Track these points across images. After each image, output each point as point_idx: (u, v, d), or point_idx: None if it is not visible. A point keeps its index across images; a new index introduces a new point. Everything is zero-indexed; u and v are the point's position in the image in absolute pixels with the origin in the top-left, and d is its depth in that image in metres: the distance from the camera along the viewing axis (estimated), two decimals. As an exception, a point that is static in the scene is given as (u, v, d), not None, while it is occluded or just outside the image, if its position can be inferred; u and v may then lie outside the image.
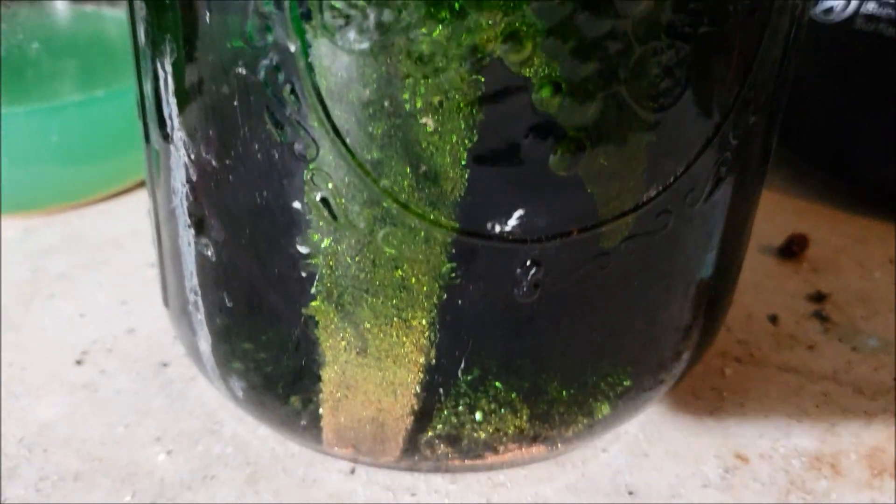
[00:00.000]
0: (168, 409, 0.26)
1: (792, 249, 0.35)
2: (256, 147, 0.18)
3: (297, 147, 0.18)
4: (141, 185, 0.38)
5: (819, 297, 0.33)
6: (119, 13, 0.40)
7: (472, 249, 0.19)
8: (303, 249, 0.19)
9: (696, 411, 0.27)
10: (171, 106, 0.19)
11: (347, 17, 0.16)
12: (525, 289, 0.20)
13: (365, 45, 0.17)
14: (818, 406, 0.28)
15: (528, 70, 0.17)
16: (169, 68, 0.19)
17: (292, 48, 0.17)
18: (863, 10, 0.37)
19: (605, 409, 0.23)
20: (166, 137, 0.20)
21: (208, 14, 0.18)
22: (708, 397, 0.28)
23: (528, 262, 0.19)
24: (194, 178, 0.20)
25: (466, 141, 0.18)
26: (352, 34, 0.17)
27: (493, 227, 0.19)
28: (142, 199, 0.38)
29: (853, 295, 0.33)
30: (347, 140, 0.18)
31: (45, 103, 0.34)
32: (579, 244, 0.19)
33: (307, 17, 0.17)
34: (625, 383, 0.23)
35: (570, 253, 0.20)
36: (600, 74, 0.17)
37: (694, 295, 0.22)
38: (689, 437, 0.26)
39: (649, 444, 0.26)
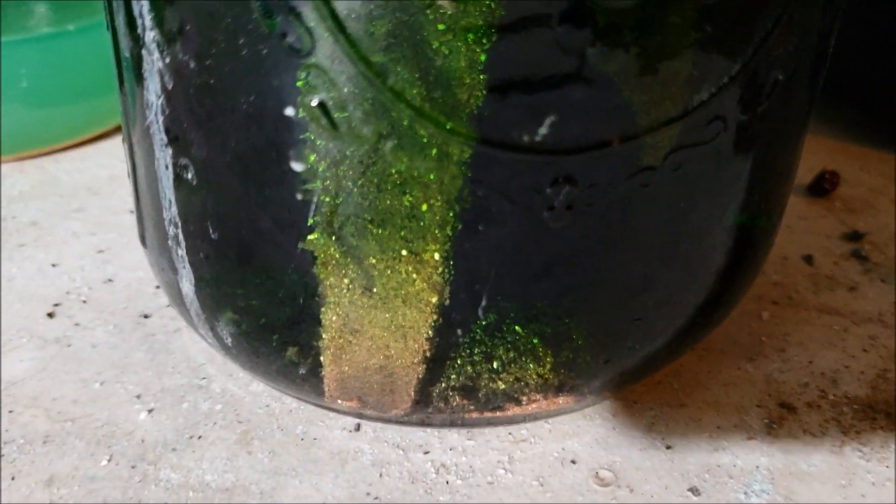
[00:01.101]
0: (149, 363, 0.24)
1: (823, 187, 0.32)
2: (242, 42, 0.15)
3: (290, 39, 0.15)
4: (119, 129, 0.35)
5: (856, 237, 0.31)
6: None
7: (494, 164, 0.16)
8: (297, 167, 0.16)
9: (735, 358, 0.25)
10: (141, 4, 0.17)
11: None
12: (556, 210, 0.17)
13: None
14: (866, 350, 0.25)
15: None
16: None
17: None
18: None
19: (637, 354, 0.21)
20: (137, 40, 0.17)
21: None
22: (746, 342, 0.25)
23: (560, 179, 0.17)
24: (170, 85, 0.17)
25: (486, 28, 0.15)
26: None
27: (519, 137, 0.16)
28: (120, 143, 0.35)
29: (892, 235, 0.31)
30: (349, 29, 0.15)
31: (11, 37, 0.31)
32: (620, 156, 0.17)
33: None
34: (659, 325, 0.20)
35: (610, 167, 0.17)
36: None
37: (739, 225, 0.20)
38: (728, 386, 0.24)
39: (685, 393, 0.23)
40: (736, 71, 0.17)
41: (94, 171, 0.33)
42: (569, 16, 0.15)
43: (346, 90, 0.15)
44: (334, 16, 0.15)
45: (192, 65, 0.16)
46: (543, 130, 0.16)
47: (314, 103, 0.16)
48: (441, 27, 0.15)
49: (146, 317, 0.26)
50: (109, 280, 0.27)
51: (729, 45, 0.16)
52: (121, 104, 0.20)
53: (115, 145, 0.35)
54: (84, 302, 0.26)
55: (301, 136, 0.16)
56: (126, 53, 0.18)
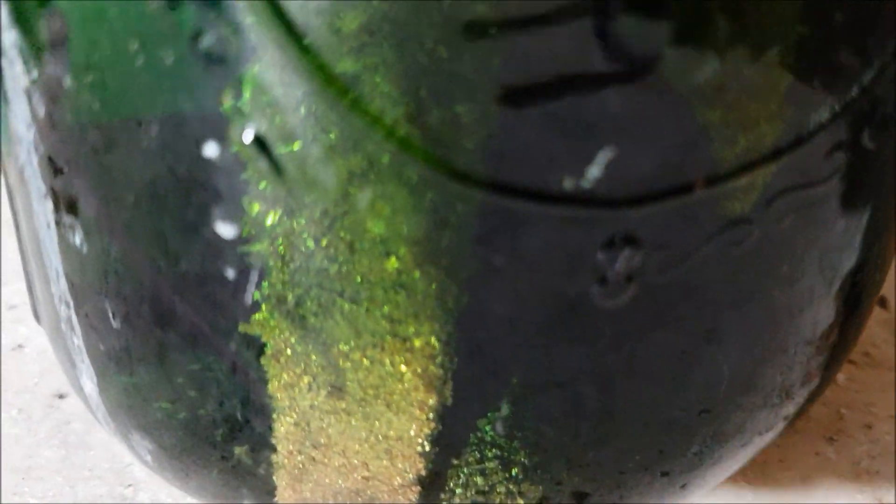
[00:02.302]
0: (61, 464, 0.18)
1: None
2: (137, 44, 0.10)
3: (209, 39, 0.10)
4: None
5: (882, 304, 0.25)
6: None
7: (519, 220, 0.11)
8: (227, 231, 0.11)
9: (811, 439, 0.19)
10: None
11: None
12: (610, 284, 0.12)
13: None
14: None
15: None
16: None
17: None
18: None
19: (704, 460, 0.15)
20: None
21: None
22: (822, 417, 0.20)
23: (617, 241, 0.11)
24: (41, 112, 0.11)
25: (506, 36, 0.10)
26: None
27: (557, 181, 0.11)
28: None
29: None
30: (299, 24, 0.09)
31: None
32: (702, 206, 0.11)
33: None
34: (730, 423, 0.15)
35: (688, 222, 0.11)
36: None
37: (851, 285, 0.14)
38: (807, 481, 0.18)
39: (753, 490, 0.18)
40: (869, 79, 0.11)
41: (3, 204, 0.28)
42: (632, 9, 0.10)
43: (295, 116, 0.10)
44: (275, 4, 0.09)
45: (68, 82, 0.11)
46: (594, 172, 0.11)
47: (248, 137, 0.10)
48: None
49: (61, 397, 0.20)
50: (20, 346, 0.22)
51: (858, 46, 0.11)
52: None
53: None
54: (-14, 377, 0.21)
55: (231, 185, 0.11)
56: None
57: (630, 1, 0.10)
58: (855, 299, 0.15)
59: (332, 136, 0.10)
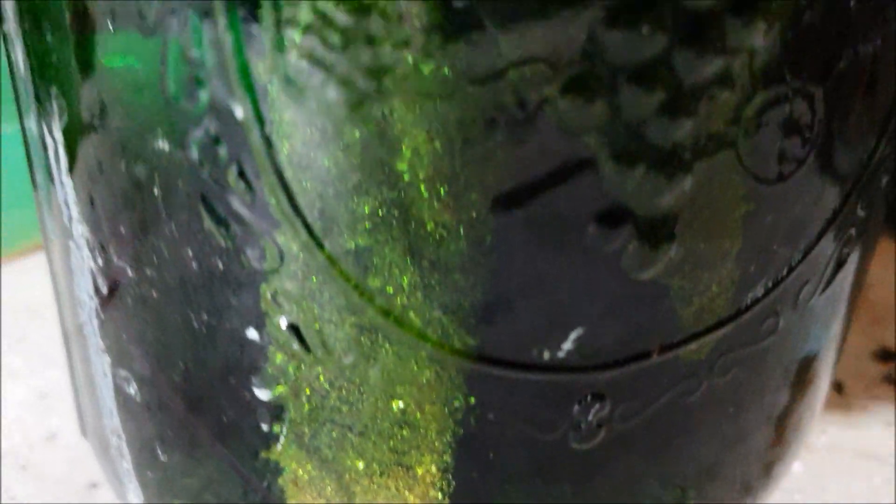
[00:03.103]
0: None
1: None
2: (190, 253, 0.12)
3: (251, 253, 0.12)
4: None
5: (886, 356, 0.28)
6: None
7: (507, 385, 0.13)
8: (262, 394, 0.13)
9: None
10: (66, 189, 0.13)
11: (324, 62, 0.10)
12: (584, 431, 0.14)
13: (354, 100, 0.11)
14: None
15: (592, 135, 0.11)
16: (59, 136, 0.13)
17: (239, 112, 0.11)
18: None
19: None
20: (65, 232, 0.14)
21: (107, 56, 0.11)
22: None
23: (588, 398, 0.14)
24: (104, 289, 0.14)
25: (491, 235, 0.12)
26: (331, 90, 0.11)
27: (538, 354, 0.13)
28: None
29: (926, 351, 0.28)
30: (326, 243, 0.12)
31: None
32: (659, 367, 0.14)
33: (260, 63, 0.11)
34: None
35: (648, 379, 0.14)
36: (697, 138, 0.12)
37: (784, 411, 0.17)
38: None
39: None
40: (797, 261, 0.14)
41: (36, 288, 0.30)
42: (603, 216, 0.12)
43: (324, 311, 0.12)
44: (308, 229, 0.12)
45: (129, 273, 0.13)
46: (567, 346, 0.13)
47: (283, 325, 0.13)
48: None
49: (95, 486, 0.22)
50: (52, 435, 0.24)
51: (790, 236, 0.13)
52: (51, 276, 0.17)
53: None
54: (22, 467, 0.23)
55: (267, 360, 0.13)
56: (52, 237, 0.15)
57: (601, 218, 0.12)
58: (793, 424, 0.17)
59: (350, 322, 0.13)
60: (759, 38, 0.11)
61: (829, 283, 0.15)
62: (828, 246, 0.14)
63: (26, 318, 0.28)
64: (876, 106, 0.13)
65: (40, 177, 0.14)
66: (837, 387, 0.26)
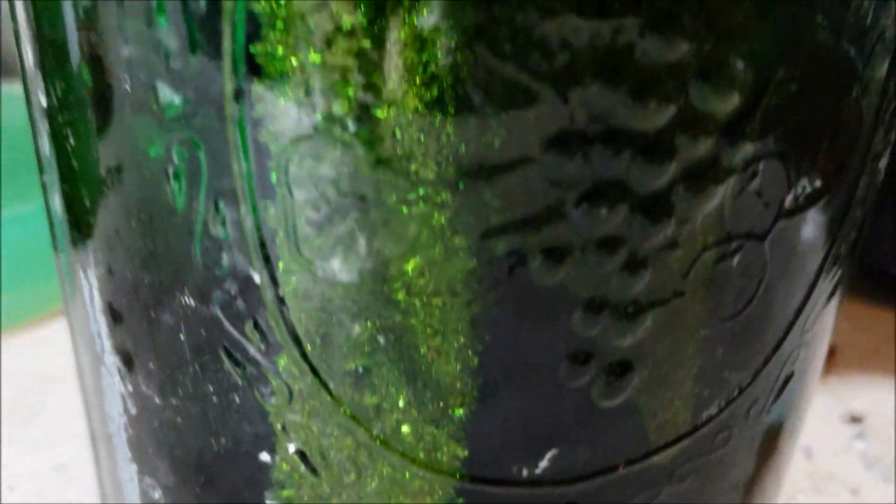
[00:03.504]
0: None
1: (817, 360, 0.31)
2: (211, 388, 0.14)
3: (264, 390, 0.14)
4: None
5: (855, 420, 0.29)
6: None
7: (490, 497, 0.15)
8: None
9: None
10: (99, 323, 0.15)
11: (332, 241, 0.12)
12: (557, 533, 0.16)
13: (354, 276, 0.12)
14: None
15: (564, 289, 0.13)
16: (94, 281, 0.15)
17: (256, 278, 0.13)
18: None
19: None
20: (97, 358, 0.16)
21: (137, 228, 0.13)
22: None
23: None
24: (133, 411, 0.15)
25: (475, 378, 0.14)
26: (337, 263, 0.12)
27: (518, 471, 0.15)
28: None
29: (890, 416, 0.30)
30: (330, 383, 0.14)
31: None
32: (625, 477, 0.15)
33: (276, 240, 0.12)
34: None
35: (615, 488, 0.15)
36: (653, 290, 0.13)
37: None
38: None
39: None
40: (746, 383, 0.16)
41: (53, 357, 0.31)
42: (573, 356, 0.14)
43: (327, 439, 0.14)
44: (315, 371, 0.13)
45: (157, 400, 0.15)
46: (544, 464, 0.15)
47: (291, 450, 0.14)
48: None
49: (110, 558, 0.24)
50: (71, 507, 0.25)
51: (739, 363, 0.15)
52: (80, 386, 0.18)
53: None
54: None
55: (277, 478, 0.15)
56: (85, 358, 0.17)
57: (572, 357, 0.14)
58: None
59: (352, 448, 0.14)
60: (706, 210, 0.13)
61: (777, 396, 0.17)
62: (775, 368, 0.16)
63: (43, 390, 0.30)
64: (814, 250, 0.15)
65: (75, 306, 0.16)
66: (807, 451, 0.28)
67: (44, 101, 0.14)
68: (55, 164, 0.14)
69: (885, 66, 0.14)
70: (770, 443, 0.18)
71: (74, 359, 0.17)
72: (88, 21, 0.12)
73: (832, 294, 0.16)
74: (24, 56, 0.14)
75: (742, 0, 0.11)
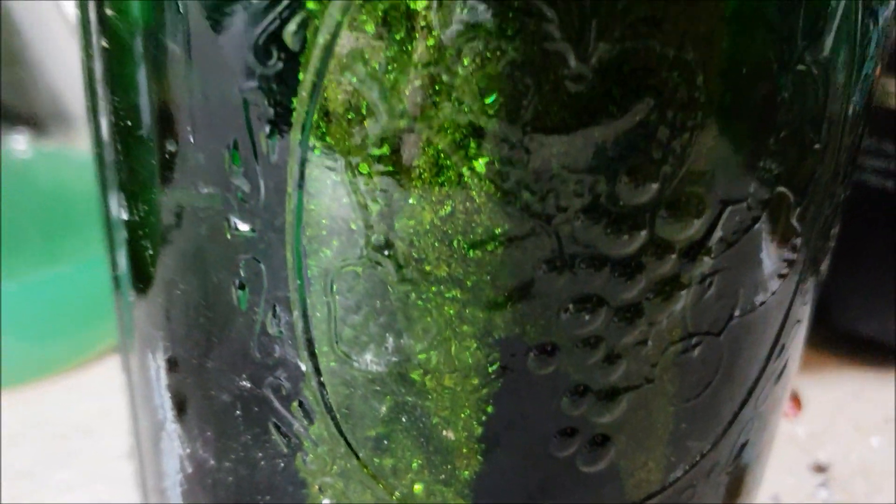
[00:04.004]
0: None
1: (784, 413, 0.34)
2: (260, 454, 0.17)
3: (304, 457, 0.17)
4: (110, 353, 0.36)
5: (820, 469, 0.32)
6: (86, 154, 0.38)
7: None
8: None
9: None
10: (163, 398, 0.18)
11: (365, 340, 0.15)
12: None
13: (382, 368, 0.15)
14: None
15: (551, 379, 0.16)
16: (161, 363, 0.18)
17: (303, 367, 0.15)
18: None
19: None
20: (158, 425, 0.18)
21: (205, 324, 0.16)
22: None
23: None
24: (189, 470, 0.18)
25: (479, 445, 0.17)
26: (369, 356, 0.15)
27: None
28: (112, 368, 0.36)
29: (854, 467, 0.33)
30: (360, 454, 0.16)
31: (9, 286, 0.32)
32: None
33: (320, 339, 0.15)
34: None
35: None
36: (628, 378, 0.16)
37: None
38: None
39: None
40: (707, 449, 0.19)
41: (86, 404, 0.34)
42: (560, 431, 0.17)
43: (352, 494, 0.17)
44: (349, 445, 0.16)
45: (211, 462, 0.18)
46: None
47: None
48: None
49: (144, 592, 0.26)
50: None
51: (701, 434, 0.18)
52: (135, 443, 0.21)
53: (105, 371, 0.36)
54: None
55: None
56: (144, 421, 0.19)
57: (560, 432, 0.17)
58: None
59: (366, 496, 0.17)
60: (670, 313, 0.16)
61: (735, 459, 0.19)
62: (732, 437, 0.19)
63: (78, 434, 0.33)
64: (763, 340, 0.18)
65: (141, 379, 0.19)
66: (774, 498, 0.31)
67: (125, 216, 0.17)
68: (131, 269, 0.17)
69: (821, 192, 0.17)
70: (732, 495, 0.20)
71: (132, 420, 0.20)
72: (171, 163, 0.15)
73: (781, 373, 0.19)
74: (107, 185, 0.17)
75: (700, 158, 0.14)
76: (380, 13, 0.12)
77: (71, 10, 0.31)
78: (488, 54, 0.13)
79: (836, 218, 0.18)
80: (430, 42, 0.13)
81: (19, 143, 0.40)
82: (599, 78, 0.13)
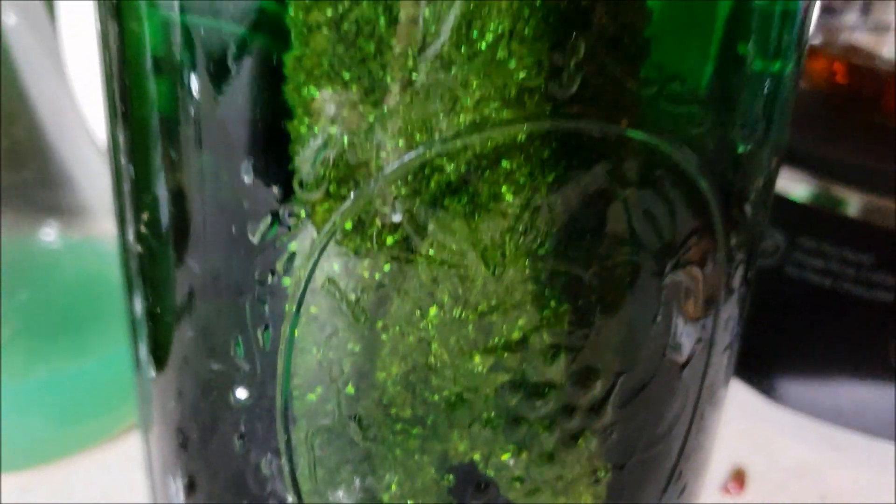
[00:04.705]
0: None
1: (727, 488, 0.38)
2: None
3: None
4: (131, 429, 0.41)
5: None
6: (111, 247, 0.43)
7: None
8: None
9: None
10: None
11: (338, 481, 0.20)
12: None
13: (352, 500, 0.20)
14: None
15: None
16: (181, 485, 0.22)
17: (290, 499, 0.20)
18: (790, 257, 0.42)
19: None
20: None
21: (211, 454, 0.21)
22: None
23: None
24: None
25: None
26: (340, 492, 0.20)
27: None
28: (133, 445, 0.40)
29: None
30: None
31: (38, 374, 0.37)
32: None
33: (302, 479, 0.20)
34: None
35: None
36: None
37: None
38: None
39: None
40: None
41: (110, 477, 0.38)
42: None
43: None
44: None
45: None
46: None
47: None
48: None
49: None
50: None
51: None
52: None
53: (128, 448, 0.40)
54: None
55: None
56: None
57: None
58: None
59: None
60: (579, 457, 0.20)
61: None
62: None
63: (100, 505, 0.37)
64: (663, 468, 0.22)
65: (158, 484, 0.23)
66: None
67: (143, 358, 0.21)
68: (145, 414, 0.21)
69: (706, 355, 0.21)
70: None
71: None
72: (190, 346, 0.19)
73: (682, 493, 0.23)
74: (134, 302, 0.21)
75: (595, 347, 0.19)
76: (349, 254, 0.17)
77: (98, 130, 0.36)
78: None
79: (727, 378, 0.23)
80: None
81: (49, 234, 0.44)
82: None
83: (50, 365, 0.38)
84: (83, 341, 0.40)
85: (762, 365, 0.43)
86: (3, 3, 0.37)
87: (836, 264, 0.41)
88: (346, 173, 0.16)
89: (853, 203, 0.42)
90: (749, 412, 0.44)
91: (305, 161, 0.16)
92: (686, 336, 0.21)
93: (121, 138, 0.19)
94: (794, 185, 0.43)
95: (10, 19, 0.38)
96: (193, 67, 0.16)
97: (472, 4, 0.14)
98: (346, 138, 0.15)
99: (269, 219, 0.16)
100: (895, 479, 0.40)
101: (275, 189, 0.16)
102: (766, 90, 0.18)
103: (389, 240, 0.17)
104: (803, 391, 0.42)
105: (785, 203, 0.43)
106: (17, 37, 0.38)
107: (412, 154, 0.16)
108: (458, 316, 0.18)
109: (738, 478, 0.38)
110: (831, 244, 0.41)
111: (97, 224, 0.44)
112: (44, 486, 0.38)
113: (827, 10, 0.42)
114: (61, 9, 0.43)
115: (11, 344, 0.38)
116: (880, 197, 0.41)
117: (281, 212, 0.17)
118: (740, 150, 0.19)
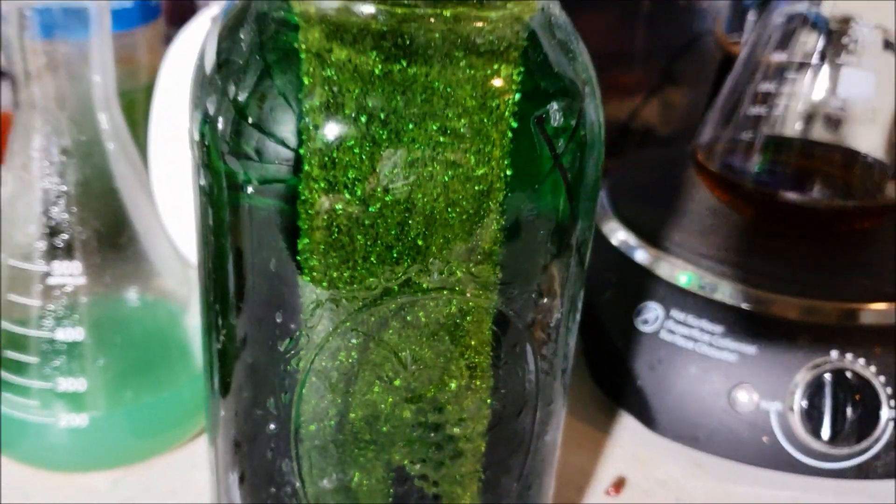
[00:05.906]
0: None
1: (608, 491, 0.54)
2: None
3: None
4: (188, 442, 0.57)
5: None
6: (176, 307, 0.59)
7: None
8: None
9: None
10: None
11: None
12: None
13: None
14: None
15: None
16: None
17: None
18: (665, 325, 0.58)
19: None
20: None
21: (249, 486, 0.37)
22: None
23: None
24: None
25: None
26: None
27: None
28: (189, 453, 0.56)
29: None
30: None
31: (125, 399, 0.53)
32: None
33: None
34: None
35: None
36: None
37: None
38: None
39: None
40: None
41: (175, 476, 0.54)
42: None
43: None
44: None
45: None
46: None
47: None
48: None
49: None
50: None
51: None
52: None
53: (186, 455, 0.56)
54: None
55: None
56: None
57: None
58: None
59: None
60: None
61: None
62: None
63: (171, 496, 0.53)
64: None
65: None
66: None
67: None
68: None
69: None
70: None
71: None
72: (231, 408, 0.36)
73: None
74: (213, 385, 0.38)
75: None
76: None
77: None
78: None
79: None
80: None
81: (131, 295, 0.61)
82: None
83: (133, 393, 0.54)
84: (156, 377, 0.56)
85: (644, 402, 0.59)
86: (104, 131, 0.54)
87: (696, 332, 0.57)
88: (330, 319, 0.32)
89: (713, 287, 0.58)
90: (633, 437, 0.60)
91: (307, 310, 0.33)
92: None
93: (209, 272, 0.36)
94: (673, 273, 0.59)
95: (111, 146, 0.54)
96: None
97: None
98: (326, 304, 0.32)
99: (288, 340, 0.33)
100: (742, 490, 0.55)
101: (291, 325, 0.33)
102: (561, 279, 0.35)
103: (354, 353, 0.33)
104: (673, 422, 0.58)
105: (665, 285, 0.59)
106: (115, 159, 0.55)
107: (359, 314, 0.32)
108: (394, 384, 0.35)
109: (618, 484, 0.54)
110: (694, 317, 0.58)
111: (167, 288, 0.60)
112: (131, 478, 0.54)
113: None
114: (152, 154, 0.60)
115: (105, 373, 0.54)
116: (732, 282, 0.58)
117: (294, 335, 0.33)
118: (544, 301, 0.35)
